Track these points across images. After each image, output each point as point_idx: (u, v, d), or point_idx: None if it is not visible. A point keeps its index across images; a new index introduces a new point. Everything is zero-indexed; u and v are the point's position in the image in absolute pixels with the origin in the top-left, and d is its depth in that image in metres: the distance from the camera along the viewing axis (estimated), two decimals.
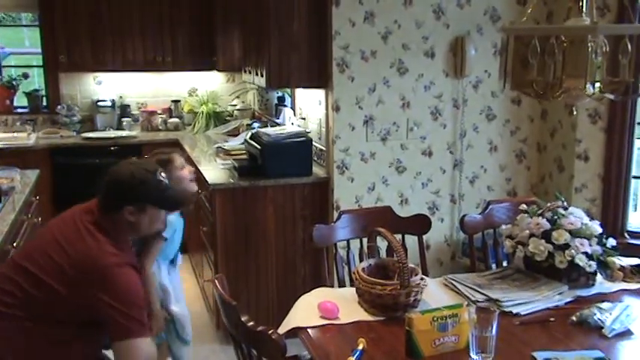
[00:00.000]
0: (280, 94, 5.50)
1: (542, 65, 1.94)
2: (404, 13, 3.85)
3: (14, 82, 5.76)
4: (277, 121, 5.11)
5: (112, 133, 5.60)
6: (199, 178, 4.05)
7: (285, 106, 5.24)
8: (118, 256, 2.05)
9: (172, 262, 2.64)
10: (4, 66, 6.08)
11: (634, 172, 3.82)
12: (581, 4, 1.90)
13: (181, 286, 2.88)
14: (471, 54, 3.97)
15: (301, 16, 3.79)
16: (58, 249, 2.04)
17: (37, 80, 6.11)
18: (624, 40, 1.85)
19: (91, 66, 5.57)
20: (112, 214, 2.15)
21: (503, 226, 2.72)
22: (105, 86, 5.89)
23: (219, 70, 5.84)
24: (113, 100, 5.85)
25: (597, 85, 1.87)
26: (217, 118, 5.91)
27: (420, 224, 2.97)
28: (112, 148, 5.37)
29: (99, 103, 5.79)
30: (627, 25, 2.00)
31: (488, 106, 4.12)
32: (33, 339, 2.00)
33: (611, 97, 1.81)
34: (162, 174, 2.21)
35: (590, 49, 1.81)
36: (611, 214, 3.82)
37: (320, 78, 3.90)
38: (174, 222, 2.57)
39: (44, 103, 5.85)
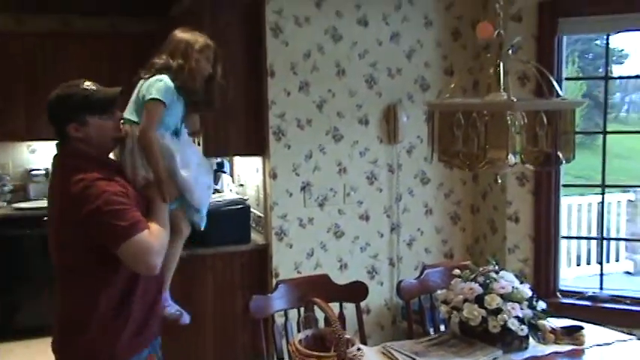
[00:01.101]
0: (219, 160, 5.49)
1: (466, 137, 2.00)
2: (338, 82, 3.96)
3: None
4: (216, 187, 5.09)
5: (46, 203, 5.42)
6: None
7: (224, 172, 5.22)
8: (85, 179, 2.08)
9: (176, 134, 2.47)
10: None
11: (562, 232, 3.95)
12: (499, 80, 1.99)
13: (192, 154, 2.61)
14: (403, 121, 4.09)
15: (239, 85, 3.84)
16: (50, 202, 2.25)
17: None
18: (540, 113, 1.94)
19: (25, 135, 5.42)
20: (65, 143, 2.20)
21: (439, 291, 2.75)
22: (39, 155, 5.76)
23: None
24: (47, 168, 5.71)
25: (518, 155, 1.94)
26: None
27: (356, 292, 2.97)
28: (45, 219, 5.20)
29: (32, 172, 5.64)
30: (541, 101, 2.10)
31: (422, 170, 4.22)
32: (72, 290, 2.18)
33: (531, 167, 1.89)
34: (87, 82, 2.21)
35: (509, 123, 1.89)
36: (543, 273, 3.92)
37: (257, 146, 3.93)
38: (172, 91, 2.40)
39: None
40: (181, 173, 2.34)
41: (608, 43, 4.18)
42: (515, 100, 1.87)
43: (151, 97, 2.27)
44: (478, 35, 2.06)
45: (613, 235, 6.88)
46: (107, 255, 2.08)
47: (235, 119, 3.87)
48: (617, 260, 6.75)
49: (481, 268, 2.64)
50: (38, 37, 5.35)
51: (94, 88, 2.20)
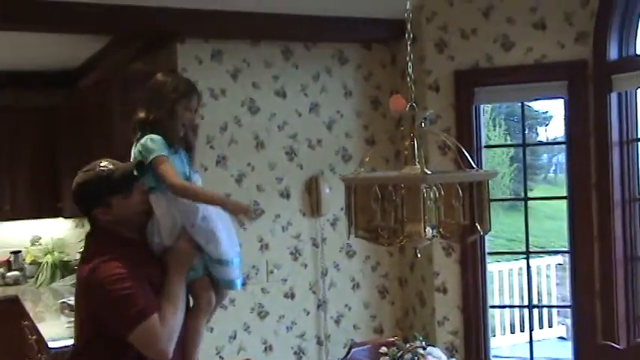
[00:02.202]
0: None
1: (384, 211, 2.03)
2: (257, 155, 3.99)
3: None
4: None
5: None
6: (39, 339, 3.77)
7: None
8: (95, 259, 2.16)
9: (188, 179, 2.32)
10: None
11: (493, 300, 4.03)
12: (414, 152, 2.05)
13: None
14: (326, 192, 4.13)
15: None
16: None
17: None
18: (455, 186, 1.99)
19: None
20: (94, 226, 2.28)
21: None
22: None
23: (65, 217, 5.62)
24: None
25: (435, 228, 1.99)
26: (65, 268, 5.61)
27: None
28: None
29: None
30: (454, 173, 2.17)
31: (347, 243, 4.24)
32: None
33: (448, 241, 1.93)
34: (103, 163, 2.26)
35: (424, 195, 1.93)
36: (474, 344, 3.96)
37: None
38: (163, 142, 2.29)
39: None
40: (201, 223, 2.29)
41: (523, 111, 4.41)
42: (429, 172, 1.92)
43: (152, 157, 2.26)
44: (391, 108, 2.12)
45: (544, 299, 7.07)
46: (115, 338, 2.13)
47: None
48: (550, 326, 6.91)
49: (408, 345, 2.65)
50: None
51: (111, 167, 2.25)
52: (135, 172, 2.26)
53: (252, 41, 3.98)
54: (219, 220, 2.34)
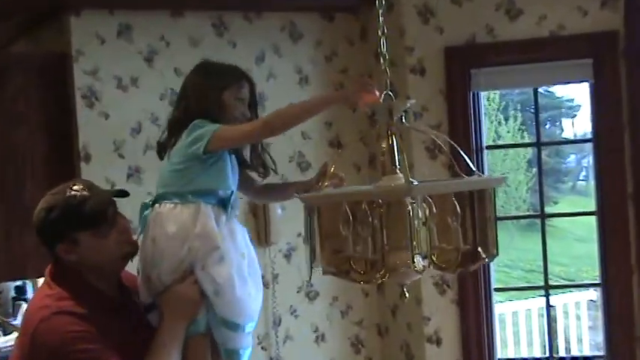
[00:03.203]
0: (20, 283, 5.30)
1: (357, 237, 2.03)
2: None
3: None
4: (14, 323, 4.88)
5: None
6: None
7: (26, 300, 5.06)
8: (51, 306, 2.21)
9: (223, 205, 2.32)
10: None
11: (499, 353, 4.05)
12: (393, 157, 2.05)
13: (238, 235, 2.48)
14: (277, 214, 4.12)
15: (37, 177, 3.74)
16: None
17: None
18: (450, 197, 2.00)
19: None
20: (56, 264, 2.32)
21: None
22: None
23: None
24: None
25: (427, 256, 1.99)
26: None
27: None
28: None
29: None
30: (450, 182, 2.18)
31: (306, 281, 4.22)
32: None
33: (445, 272, 1.93)
34: (75, 186, 2.28)
35: (410, 214, 1.93)
36: None
37: None
38: None
39: None
40: (214, 267, 2.31)
41: (537, 100, 4.46)
42: (415, 182, 1.93)
43: (207, 138, 2.31)
44: (359, 103, 2.13)
45: (573, 349, 7.12)
46: None
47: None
48: None
49: None
50: None
51: (85, 193, 2.28)
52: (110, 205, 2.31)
53: (172, 12, 3.95)
54: (242, 267, 2.38)
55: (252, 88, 2.53)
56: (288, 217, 4.14)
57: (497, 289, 4.10)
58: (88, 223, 2.26)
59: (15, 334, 4.11)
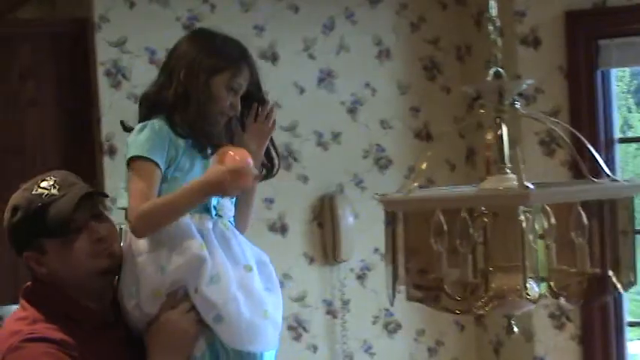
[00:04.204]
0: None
1: (454, 255, 2.02)
2: None
3: None
4: None
5: None
6: None
7: None
8: (22, 331, 2.23)
9: (207, 210, 2.33)
10: None
11: None
12: (502, 153, 2.04)
13: (236, 247, 2.45)
14: (349, 224, 4.13)
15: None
16: None
17: None
18: (576, 207, 1.97)
19: None
20: (34, 280, 2.36)
21: None
22: None
23: None
24: None
25: (543, 282, 1.97)
26: None
27: None
28: None
29: None
30: (576, 188, 2.15)
31: (385, 308, 4.24)
32: None
33: (566, 302, 1.90)
34: (44, 183, 2.30)
35: (524, 226, 1.92)
36: None
37: None
38: (164, 135, 2.31)
39: None
40: (208, 288, 2.29)
41: None
42: (531, 187, 1.91)
43: (128, 157, 2.36)
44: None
45: None
46: None
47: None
48: None
49: None
50: None
51: (52, 192, 2.28)
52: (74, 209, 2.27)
53: None
54: (249, 282, 2.36)
55: (253, 75, 2.50)
56: (363, 227, 4.14)
57: (632, 324, 4.02)
58: (53, 229, 2.27)
59: None
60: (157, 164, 2.30)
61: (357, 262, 4.22)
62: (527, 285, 1.97)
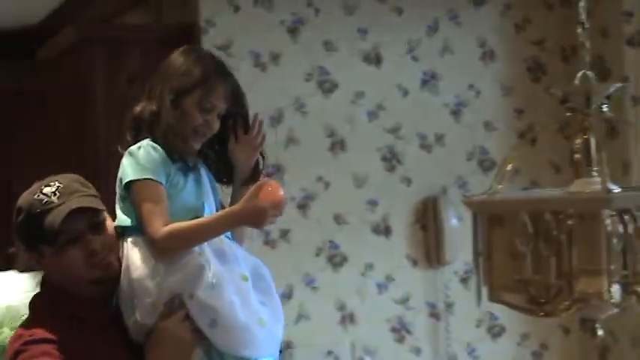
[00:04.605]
0: None
1: (537, 257, 2.04)
2: (333, 162, 4.07)
3: None
4: None
5: None
6: None
7: None
8: (20, 338, 2.33)
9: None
10: None
11: None
12: (589, 155, 2.06)
13: (227, 253, 2.48)
14: (452, 226, 4.15)
15: None
16: None
17: None
18: None
19: None
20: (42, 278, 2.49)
21: None
22: None
23: (20, 271, 5.82)
24: None
25: (625, 286, 1.98)
26: None
27: None
28: None
29: None
30: None
31: (489, 312, 4.24)
32: None
33: None
34: (47, 188, 2.35)
35: (607, 230, 1.94)
36: None
37: None
38: (159, 157, 2.39)
39: None
40: (205, 293, 2.32)
41: None
42: (614, 189, 1.93)
43: (127, 180, 2.38)
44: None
45: None
46: None
47: None
48: None
49: None
50: None
51: (51, 200, 2.34)
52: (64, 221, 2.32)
53: None
54: (245, 292, 2.38)
55: (232, 92, 2.52)
56: (468, 230, 4.11)
57: None
58: (47, 238, 2.33)
59: None
60: (161, 183, 2.34)
61: (461, 264, 4.23)
62: (612, 289, 1.99)
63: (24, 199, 2.37)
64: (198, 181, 2.44)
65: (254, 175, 2.55)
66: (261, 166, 2.58)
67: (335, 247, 4.05)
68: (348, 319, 4.07)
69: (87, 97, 4.02)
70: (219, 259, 2.37)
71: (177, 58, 2.51)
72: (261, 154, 2.58)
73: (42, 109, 4.92)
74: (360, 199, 4.10)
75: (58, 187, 2.35)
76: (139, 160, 2.36)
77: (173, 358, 2.33)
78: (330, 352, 4.04)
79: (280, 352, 2.47)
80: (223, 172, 2.57)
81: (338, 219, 4.07)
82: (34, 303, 2.46)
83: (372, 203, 4.12)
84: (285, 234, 3.98)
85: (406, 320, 4.15)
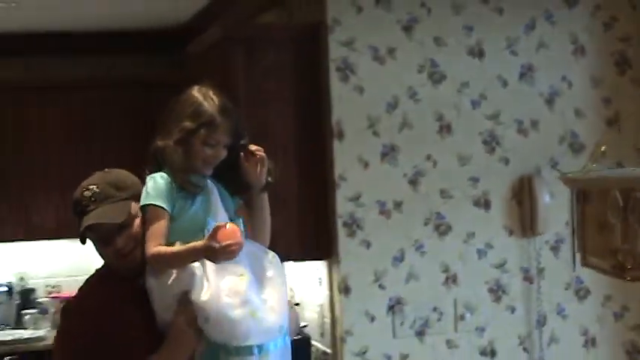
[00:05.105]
0: None
1: (626, 228, 2.04)
2: (440, 145, 4.06)
3: None
4: None
5: (9, 334, 5.65)
6: None
7: None
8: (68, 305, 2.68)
9: (202, 231, 2.55)
10: None
11: None
12: None
13: (238, 260, 2.56)
14: (545, 201, 4.10)
15: (287, 154, 3.96)
16: None
17: None
18: None
19: None
20: None
21: None
22: None
23: None
24: (10, 283, 5.96)
25: None
26: None
27: None
28: (8, 358, 5.41)
29: None
30: None
31: (577, 277, 4.19)
32: None
33: None
34: (86, 192, 2.52)
35: None
36: None
37: (319, 245, 4.02)
38: (165, 187, 2.52)
39: None
40: (196, 297, 2.42)
41: None
42: None
43: (140, 204, 2.53)
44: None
45: None
46: None
47: (284, 205, 3.89)
48: None
49: None
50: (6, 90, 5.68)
51: (87, 204, 2.52)
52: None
53: None
54: (241, 288, 2.45)
55: (233, 126, 2.56)
56: (558, 205, 4.08)
57: None
58: (82, 236, 2.54)
59: None
60: (164, 209, 2.45)
61: (551, 235, 4.17)
62: None
63: (76, 193, 2.56)
64: (206, 200, 2.54)
65: (266, 186, 2.65)
66: (270, 179, 2.64)
67: (441, 217, 4.06)
68: (451, 280, 4.07)
69: (229, 89, 4.08)
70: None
71: (186, 98, 2.58)
72: (268, 165, 2.63)
73: None
74: (464, 176, 4.10)
75: (94, 192, 2.52)
76: (147, 189, 2.50)
77: (177, 346, 2.47)
78: (435, 309, 4.05)
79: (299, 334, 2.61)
80: (236, 187, 2.65)
81: (443, 193, 4.07)
82: (93, 274, 2.69)
83: (474, 180, 4.11)
84: (398, 205, 4.00)
85: (502, 282, 4.13)
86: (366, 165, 3.96)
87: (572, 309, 4.22)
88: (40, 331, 5.75)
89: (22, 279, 6.06)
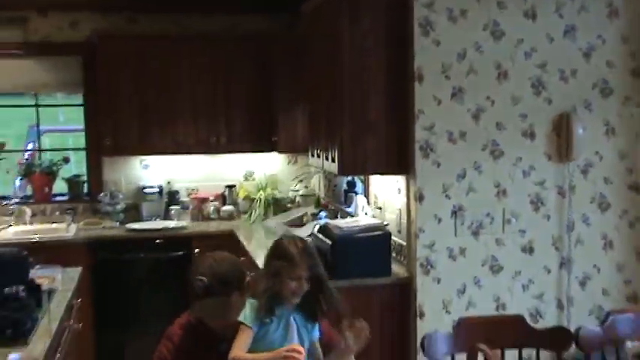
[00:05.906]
0: (350, 178, 5.52)
1: None
2: (498, 88, 3.92)
3: (54, 168, 6.00)
4: (348, 210, 5.10)
5: (160, 224, 5.74)
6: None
7: (355, 193, 5.25)
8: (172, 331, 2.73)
9: None
10: (43, 150, 6.39)
11: None
12: None
13: None
14: (579, 134, 3.97)
15: (379, 93, 3.89)
16: None
17: (73, 163, 6.37)
18: None
19: (138, 149, 5.79)
20: None
21: (629, 343, 2.63)
22: (152, 171, 6.10)
23: (279, 152, 5.95)
24: (161, 186, 6.04)
25: None
26: (277, 205, 5.99)
27: (557, 339, 2.98)
28: (158, 241, 5.49)
29: (145, 190, 5.97)
30: None
31: (600, 193, 4.08)
32: None
33: None
34: (200, 282, 2.64)
35: None
36: None
37: (400, 163, 3.95)
38: (254, 313, 2.59)
39: (85, 190, 6.08)
40: None
41: None
42: None
43: (239, 320, 2.57)
44: None
45: None
46: None
47: (375, 132, 3.91)
48: None
49: None
50: (150, 40, 5.70)
51: (199, 290, 2.64)
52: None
53: None
54: None
55: (311, 265, 2.56)
56: (588, 136, 4.01)
57: None
58: None
59: (347, 219, 4.34)
60: (251, 328, 2.50)
61: (582, 161, 4.06)
62: None
63: (199, 271, 2.65)
64: (286, 327, 2.57)
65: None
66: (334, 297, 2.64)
67: (496, 144, 3.95)
68: (501, 193, 3.99)
69: (335, 44, 4.00)
70: None
71: (274, 249, 2.62)
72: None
73: (303, 50, 4.94)
74: (515, 113, 3.98)
75: (205, 285, 2.62)
76: (245, 311, 2.54)
77: None
78: (488, 214, 3.98)
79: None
80: (314, 315, 2.64)
81: (499, 125, 3.96)
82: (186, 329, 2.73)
83: (523, 116, 3.99)
84: (463, 134, 3.91)
85: (541, 196, 4.04)
86: (439, 102, 3.89)
87: (595, 218, 4.14)
88: (182, 222, 5.86)
89: (169, 183, 6.16)
